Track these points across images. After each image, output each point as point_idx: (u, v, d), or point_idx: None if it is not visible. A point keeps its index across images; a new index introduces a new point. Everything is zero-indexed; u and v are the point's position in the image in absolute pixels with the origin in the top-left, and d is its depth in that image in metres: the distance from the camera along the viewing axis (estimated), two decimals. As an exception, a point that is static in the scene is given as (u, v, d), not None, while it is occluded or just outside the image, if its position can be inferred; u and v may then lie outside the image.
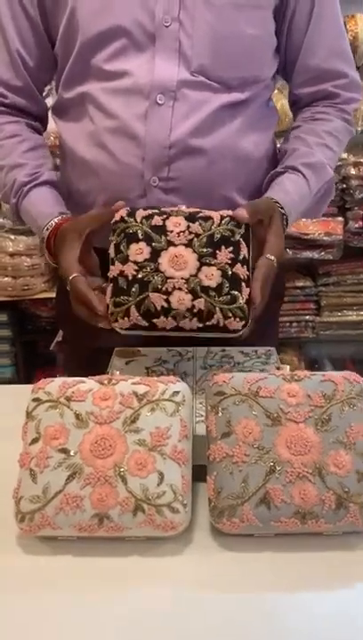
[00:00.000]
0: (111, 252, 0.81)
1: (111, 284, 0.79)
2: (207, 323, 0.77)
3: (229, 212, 0.82)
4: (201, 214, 0.82)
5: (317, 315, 2.37)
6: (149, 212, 0.81)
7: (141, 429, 0.67)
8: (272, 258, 0.82)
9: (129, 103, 0.90)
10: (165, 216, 0.81)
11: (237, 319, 0.77)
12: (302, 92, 1.01)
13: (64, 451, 0.66)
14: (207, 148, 0.90)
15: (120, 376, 0.72)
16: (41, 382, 0.71)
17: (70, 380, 0.71)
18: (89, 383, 0.70)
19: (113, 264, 0.80)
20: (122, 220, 0.81)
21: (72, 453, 0.66)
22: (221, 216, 0.82)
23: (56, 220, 0.90)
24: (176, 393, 0.69)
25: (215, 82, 0.89)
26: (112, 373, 0.85)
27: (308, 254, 2.24)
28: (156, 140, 0.89)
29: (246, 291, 0.79)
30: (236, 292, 0.78)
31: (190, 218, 0.81)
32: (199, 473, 0.70)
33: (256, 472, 0.65)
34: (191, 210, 0.82)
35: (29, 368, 2.43)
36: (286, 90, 1.14)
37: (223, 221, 0.81)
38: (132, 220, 0.80)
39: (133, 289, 0.78)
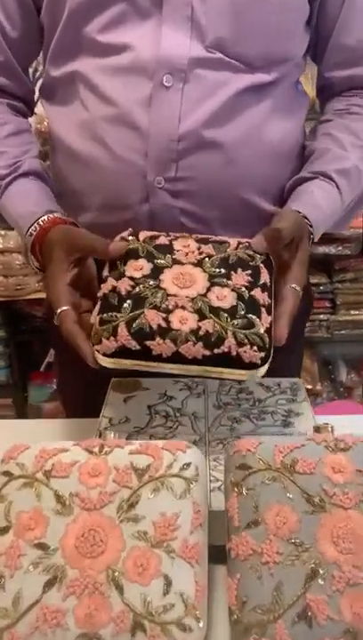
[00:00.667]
0: (105, 271, 0.66)
1: (99, 302, 0.64)
2: (216, 350, 0.60)
3: (249, 240, 0.68)
4: (215, 238, 0.68)
5: (332, 313, 2.21)
6: (155, 233, 0.68)
7: (141, 518, 0.51)
8: (298, 289, 0.66)
9: (129, 85, 0.73)
10: (172, 237, 0.67)
11: (255, 348, 0.60)
12: (334, 75, 0.83)
13: (41, 546, 0.50)
14: (225, 141, 0.73)
15: (114, 439, 0.56)
16: (13, 449, 0.56)
17: (50, 447, 0.55)
18: (74, 451, 0.55)
19: (104, 282, 0.65)
20: (121, 239, 0.67)
21: (52, 550, 0.50)
22: (238, 242, 0.67)
23: (42, 221, 0.73)
24: (187, 466, 0.53)
25: (235, 59, 0.72)
26: (105, 427, 0.70)
27: (324, 249, 2.07)
28: (161, 132, 0.72)
29: (266, 319, 0.63)
30: (253, 317, 0.62)
31: (202, 240, 0.67)
32: (216, 553, 0.54)
33: (293, 577, 0.49)
34: (204, 236, 0.68)
35: (24, 370, 2.27)
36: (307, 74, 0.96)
37: (241, 246, 0.67)
38: (133, 238, 0.68)
39: (126, 304, 0.62)
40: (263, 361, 0.61)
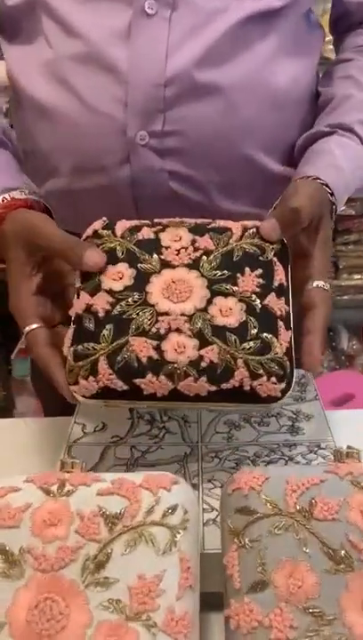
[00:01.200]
0: (76, 280, 0.52)
1: (72, 327, 0.50)
2: (224, 385, 0.47)
3: (257, 223, 0.52)
4: (213, 224, 0.53)
5: (333, 278, 2.07)
6: (136, 223, 0.54)
7: (112, 581, 0.39)
8: (327, 287, 0.52)
9: (101, 13, 0.59)
10: (159, 227, 0.53)
11: (274, 379, 0.47)
12: (352, 0, 0.68)
13: (-17, 620, 0.39)
14: (224, 84, 0.59)
15: (79, 474, 0.43)
16: None
17: (-4, 485, 0.43)
18: (26, 491, 0.42)
19: (78, 297, 0.51)
20: (95, 234, 0.53)
21: (-4, 625, 0.38)
22: (243, 227, 0.52)
23: None
24: (172, 510, 0.41)
25: None
26: (73, 441, 0.57)
27: (326, 209, 1.92)
28: (144, 74, 0.58)
29: (285, 335, 0.49)
30: (269, 336, 0.48)
31: (197, 229, 0.53)
32: (209, 599, 0.43)
33: (311, 657, 0.38)
34: (199, 220, 0.53)
35: (7, 343, 2.15)
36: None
37: (247, 234, 0.52)
38: (108, 232, 0.53)
39: (105, 331, 0.48)
40: (284, 392, 0.48)
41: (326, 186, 0.57)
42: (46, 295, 0.54)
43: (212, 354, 0.47)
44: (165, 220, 0.54)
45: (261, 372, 0.47)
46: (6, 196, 0.57)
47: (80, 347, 0.48)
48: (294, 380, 0.49)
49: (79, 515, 0.41)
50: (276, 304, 0.49)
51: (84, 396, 0.48)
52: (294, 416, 0.63)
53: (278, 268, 0.51)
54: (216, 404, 0.49)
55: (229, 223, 0.53)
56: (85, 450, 0.58)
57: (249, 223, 0.53)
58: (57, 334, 0.52)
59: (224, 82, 0.58)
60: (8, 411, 2.01)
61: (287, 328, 0.49)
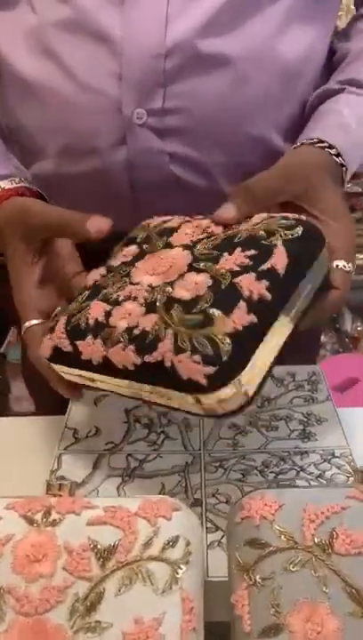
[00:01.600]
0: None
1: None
2: (147, 357, 0.39)
3: (294, 216, 0.44)
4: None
5: (337, 258, 2.01)
6: (182, 218, 0.49)
7: (105, 626, 0.34)
8: (349, 267, 0.46)
9: None
10: (196, 220, 0.48)
11: (197, 357, 0.37)
12: None
13: None
14: (232, 54, 0.52)
15: (67, 499, 0.38)
16: None
17: (-27, 514, 0.37)
18: (7, 520, 0.37)
19: None
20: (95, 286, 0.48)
21: None
22: (269, 215, 0.45)
23: None
24: (172, 542, 0.36)
25: None
26: (62, 450, 0.52)
27: (330, 186, 1.85)
28: (141, 43, 0.51)
29: (242, 317, 0.38)
30: (216, 312, 0.39)
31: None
32: (212, 628, 0.39)
33: None
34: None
35: (1, 327, 2.09)
36: None
37: (269, 220, 0.44)
38: (144, 224, 0.51)
39: (80, 297, 0.47)
40: (213, 381, 0.37)
41: (331, 147, 0.51)
42: (51, 286, 0.50)
43: (147, 321, 0.41)
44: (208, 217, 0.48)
45: (185, 346, 0.38)
46: (14, 182, 0.53)
47: (59, 309, 0.48)
48: (241, 376, 0.38)
49: (67, 548, 0.36)
50: (249, 285, 0.40)
51: (46, 359, 0.46)
52: (306, 419, 0.57)
53: (278, 254, 0.41)
54: (141, 385, 0.42)
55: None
56: (77, 459, 0.53)
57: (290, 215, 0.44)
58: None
59: (232, 51, 0.51)
60: (3, 395, 1.96)
61: (250, 312, 0.39)
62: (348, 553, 0.35)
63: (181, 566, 0.36)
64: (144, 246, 0.48)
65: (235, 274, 0.41)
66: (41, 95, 0.56)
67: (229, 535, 0.38)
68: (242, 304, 0.39)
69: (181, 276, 0.43)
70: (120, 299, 0.44)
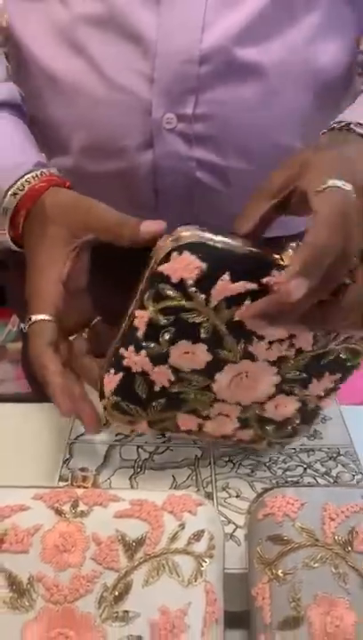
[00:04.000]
0: (139, 328, 0.43)
1: (121, 374, 0.44)
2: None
3: None
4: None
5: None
6: (242, 286, 0.39)
7: (133, 615, 0.35)
8: (339, 184, 0.37)
9: None
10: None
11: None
12: None
13: (-14, 657, 0.35)
14: (266, 63, 0.52)
15: (94, 491, 0.39)
16: None
17: (4, 504, 0.38)
18: (35, 511, 0.38)
19: (135, 349, 0.43)
20: (181, 286, 0.40)
21: (2, 662, 0.35)
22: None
23: (32, 176, 0.49)
24: (198, 536, 0.37)
25: None
26: (74, 437, 0.53)
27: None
28: (175, 47, 0.51)
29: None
30: (303, 425, 0.51)
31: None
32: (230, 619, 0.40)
33: None
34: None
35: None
36: None
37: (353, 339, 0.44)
38: (200, 297, 0.40)
39: (155, 404, 0.46)
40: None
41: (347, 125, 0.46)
42: (69, 291, 0.48)
43: (244, 434, 0.49)
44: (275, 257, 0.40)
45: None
46: (44, 171, 0.50)
47: (124, 403, 0.46)
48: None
49: (95, 540, 0.37)
50: (327, 403, 0.48)
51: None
52: (310, 417, 0.59)
53: (357, 368, 0.45)
54: None
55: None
56: (88, 449, 0.54)
57: None
58: (63, 338, 0.46)
59: (267, 61, 0.51)
60: (-14, 377, 1.95)
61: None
62: (367, 550, 0.37)
63: (206, 559, 0.37)
64: (218, 352, 0.42)
65: (321, 398, 0.47)
66: (67, 89, 0.55)
67: (251, 531, 0.39)
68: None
69: (271, 397, 0.46)
70: (211, 415, 0.47)
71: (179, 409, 0.46)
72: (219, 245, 0.39)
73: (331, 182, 0.37)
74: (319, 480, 0.52)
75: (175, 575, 0.36)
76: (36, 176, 0.49)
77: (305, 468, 0.53)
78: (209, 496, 0.50)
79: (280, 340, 0.42)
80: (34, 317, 0.46)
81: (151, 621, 0.35)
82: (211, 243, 0.39)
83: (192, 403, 0.46)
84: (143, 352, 0.43)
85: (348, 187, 0.37)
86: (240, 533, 0.46)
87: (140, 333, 0.42)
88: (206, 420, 0.47)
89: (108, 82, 0.52)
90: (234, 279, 0.39)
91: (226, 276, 0.39)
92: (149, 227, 0.43)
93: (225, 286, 0.39)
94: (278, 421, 0.48)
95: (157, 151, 0.54)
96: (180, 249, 0.39)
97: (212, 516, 0.39)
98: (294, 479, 0.52)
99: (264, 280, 0.39)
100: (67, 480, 0.51)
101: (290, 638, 0.35)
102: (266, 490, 0.41)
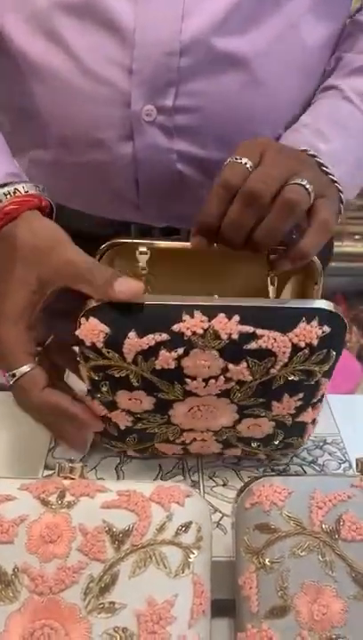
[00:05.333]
0: (85, 381, 0.45)
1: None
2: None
3: (318, 332, 0.41)
4: (252, 344, 0.40)
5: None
6: (150, 339, 0.40)
7: (119, 607, 0.35)
8: (303, 182, 0.43)
9: None
10: (179, 353, 0.40)
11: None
12: None
13: (-29, 649, 0.34)
14: (249, 53, 0.50)
15: (81, 482, 0.39)
16: None
17: (-14, 494, 0.38)
18: (22, 501, 0.37)
19: (90, 395, 0.45)
20: (94, 348, 0.41)
21: (-14, 655, 0.34)
22: (293, 346, 0.41)
23: (2, 193, 0.44)
24: (185, 528, 0.37)
25: None
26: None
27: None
28: (155, 37, 0.49)
29: (311, 429, 0.50)
30: (295, 439, 0.49)
31: (231, 352, 0.41)
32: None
33: None
34: (239, 332, 0.40)
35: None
36: None
37: (297, 357, 0.41)
38: (114, 354, 0.41)
39: (130, 439, 0.48)
40: None
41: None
42: (33, 331, 0.44)
43: (233, 452, 0.50)
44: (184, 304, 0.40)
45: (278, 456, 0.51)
46: (19, 187, 0.44)
47: (105, 440, 0.49)
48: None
49: (82, 530, 0.36)
50: (310, 416, 0.47)
51: None
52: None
53: (324, 385, 0.45)
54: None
55: (276, 339, 0.40)
56: (74, 438, 0.54)
57: (308, 330, 0.41)
58: (48, 372, 0.44)
59: (249, 51, 0.50)
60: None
61: (314, 423, 0.49)
62: (353, 539, 0.37)
63: (194, 551, 0.37)
64: (158, 395, 0.43)
65: (294, 415, 0.46)
66: (45, 79, 0.53)
67: (238, 520, 0.39)
68: (310, 426, 0.48)
69: (238, 422, 0.46)
70: (186, 441, 0.48)
71: (153, 440, 0.48)
72: (121, 306, 0.40)
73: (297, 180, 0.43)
74: (306, 469, 0.52)
75: (162, 566, 0.36)
76: (8, 193, 0.44)
77: (292, 457, 0.53)
78: (195, 485, 0.50)
79: (214, 377, 0.42)
80: (17, 372, 0.42)
81: (138, 613, 0.35)
82: (113, 307, 0.40)
83: (162, 435, 0.47)
84: (96, 401, 0.45)
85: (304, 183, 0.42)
86: (227, 522, 0.46)
87: (87, 384, 0.44)
88: (186, 446, 0.48)
89: (85, 72, 0.51)
90: (141, 334, 0.40)
91: (132, 334, 0.40)
92: (123, 285, 0.40)
93: (133, 343, 0.40)
94: (261, 438, 0.48)
95: (136, 143, 0.53)
96: (86, 315, 0.41)
97: (200, 507, 0.39)
98: (281, 468, 0.52)
99: (174, 327, 0.40)
100: (52, 469, 0.50)
101: (277, 627, 0.35)
102: (253, 478, 0.41)
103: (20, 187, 0.45)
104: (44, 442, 0.53)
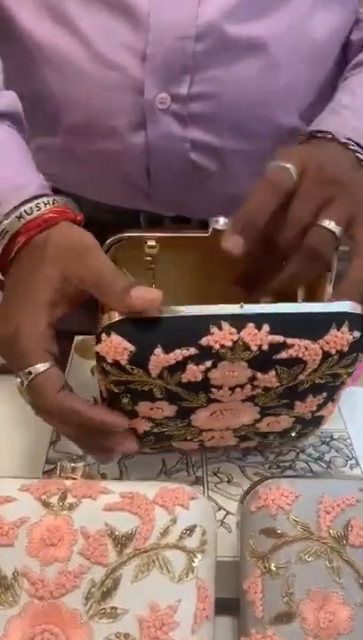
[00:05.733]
0: (101, 392, 0.42)
1: None
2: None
3: (348, 338, 0.39)
4: (283, 354, 0.38)
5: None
6: (178, 355, 0.37)
7: (121, 612, 0.34)
8: (329, 224, 0.41)
9: None
10: (207, 366, 0.38)
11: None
12: None
13: (-30, 654, 0.34)
14: (265, 37, 0.49)
15: (83, 482, 0.38)
16: None
17: (-15, 495, 0.37)
18: (23, 503, 0.36)
19: (104, 401, 0.43)
20: (118, 365, 0.38)
21: (-15, 659, 0.34)
22: (324, 353, 0.39)
23: (41, 202, 0.42)
24: (190, 531, 0.36)
25: None
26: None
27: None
28: (170, 21, 0.47)
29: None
30: (311, 428, 0.49)
31: (261, 361, 0.38)
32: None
33: None
34: (269, 343, 0.37)
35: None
36: None
37: (327, 363, 0.40)
38: (138, 370, 0.38)
39: (147, 441, 0.46)
40: None
41: (332, 139, 0.46)
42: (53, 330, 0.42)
43: (249, 444, 0.48)
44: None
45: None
46: (57, 199, 0.43)
47: None
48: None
49: (83, 533, 0.35)
50: (329, 410, 0.46)
51: None
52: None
53: (346, 383, 0.43)
54: None
55: (307, 348, 0.38)
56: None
57: (339, 337, 0.38)
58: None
59: (266, 35, 0.48)
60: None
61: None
62: (362, 545, 0.36)
63: (198, 555, 0.36)
64: (182, 404, 0.41)
65: (314, 411, 0.45)
66: (54, 63, 0.51)
67: (243, 523, 0.38)
68: (326, 418, 0.47)
69: (259, 420, 0.45)
70: (204, 440, 0.47)
71: (170, 440, 0.46)
72: (144, 321, 0.37)
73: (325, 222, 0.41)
74: (312, 465, 0.51)
75: (166, 571, 0.35)
76: (48, 203, 0.42)
77: (298, 453, 0.52)
78: (199, 480, 0.49)
79: (241, 385, 0.40)
80: (34, 370, 0.39)
81: (140, 618, 0.34)
82: (135, 322, 0.37)
83: (181, 435, 0.45)
84: (116, 410, 0.42)
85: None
86: (231, 520, 0.45)
87: (105, 395, 0.42)
88: (203, 442, 0.47)
89: (96, 56, 0.49)
90: (168, 349, 0.37)
91: (158, 350, 0.37)
92: (139, 292, 0.37)
93: (160, 360, 0.37)
94: (279, 431, 0.47)
95: (149, 132, 0.51)
96: (107, 330, 0.38)
97: (205, 509, 0.38)
98: (287, 464, 0.51)
99: (203, 341, 0.37)
100: (54, 463, 0.50)
101: (282, 633, 0.35)
102: (260, 480, 0.40)
103: (57, 198, 0.43)
104: (45, 433, 0.52)
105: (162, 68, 0.48)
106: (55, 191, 0.45)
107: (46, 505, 0.36)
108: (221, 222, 0.42)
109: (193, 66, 0.48)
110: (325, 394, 0.43)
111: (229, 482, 0.49)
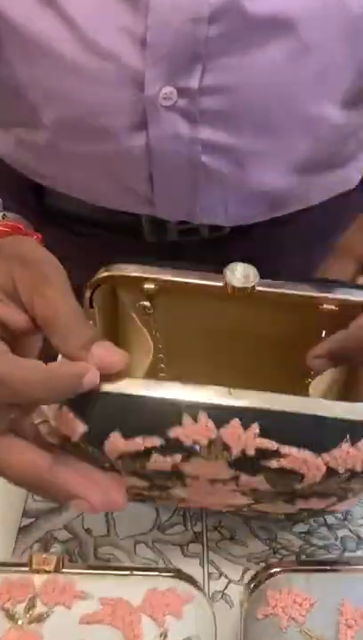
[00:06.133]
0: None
1: None
2: None
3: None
4: (274, 462, 0.30)
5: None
6: (138, 444, 0.30)
7: None
8: None
9: None
10: (177, 458, 0.30)
11: None
12: None
13: None
14: (294, 15, 0.38)
15: (56, 583, 0.31)
16: None
17: None
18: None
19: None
20: (70, 442, 0.31)
21: None
22: (328, 467, 0.30)
23: None
24: (184, 646, 0.30)
25: None
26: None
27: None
28: (176, 2, 0.37)
29: None
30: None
31: (244, 465, 0.31)
32: None
33: None
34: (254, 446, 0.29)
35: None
36: None
37: (334, 479, 0.31)
38: (95, 450, 0.31)
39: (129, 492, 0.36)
40: None
41: None
42: None
43: (260, 507, 0.38)
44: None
45: None
46: (8, 214, 0.37)
47: None
48: None
49: (54, 653, 0.29)
50: (344, 507, 0.39)
51: None
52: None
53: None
54: None
55: (306, 461, 0.30)
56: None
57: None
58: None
59: (295, 13, 0.38)
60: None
61: None
62: (390, 668, 0.30)
63: (193, 674, 0.30)
64: (156, 483, 0.34)
65: (325, 508, 0.37)
66: (34, 47, 0.40)
67: (247, 631, 0.32)
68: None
69: (255, 503, 0.36)
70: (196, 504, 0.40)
71: (154, 501, 0.40)
72: (102, 397, 0.30)
73: None
74: (328, 517, 0.45)
75: None
76: None
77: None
78: (198, 538, 0.43)
79: (222, 481, 0.32)
80: None
81: None
82: (91, 395, 0.29)
83: (163, 500, 0.38)
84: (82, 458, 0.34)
85: None
86: (234, 590, 0.40)
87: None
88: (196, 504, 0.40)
89: (84, 41, 0.39)
90: (127, 435, 0.30)
91: (116, 435, 0.30)
92: (101, 349, 0.30)
93: (118, 445, 0.30)
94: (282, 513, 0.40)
95: (151, 133, 0.41)
96: (60, 404, 0.31)
97: (202, 616, 0.32)
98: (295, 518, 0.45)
99: (170, 432, 0.29)
100: (33, 517, 0.44)
101: None
102: (265, 568, 0.34)
103: (8, 214, 0.36)
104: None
105: (166, 57, 0.38)
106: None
107: (10, 617, 0.30)
108: (239, 273, 0.35)
109: (205, 53, 0.38)
110: (334, 499, 0.35)
111: (231, 539, 0.43)
